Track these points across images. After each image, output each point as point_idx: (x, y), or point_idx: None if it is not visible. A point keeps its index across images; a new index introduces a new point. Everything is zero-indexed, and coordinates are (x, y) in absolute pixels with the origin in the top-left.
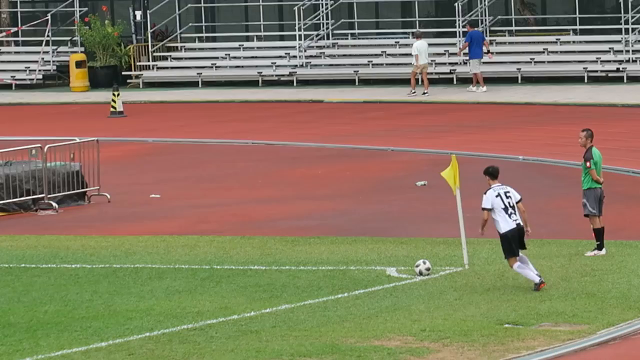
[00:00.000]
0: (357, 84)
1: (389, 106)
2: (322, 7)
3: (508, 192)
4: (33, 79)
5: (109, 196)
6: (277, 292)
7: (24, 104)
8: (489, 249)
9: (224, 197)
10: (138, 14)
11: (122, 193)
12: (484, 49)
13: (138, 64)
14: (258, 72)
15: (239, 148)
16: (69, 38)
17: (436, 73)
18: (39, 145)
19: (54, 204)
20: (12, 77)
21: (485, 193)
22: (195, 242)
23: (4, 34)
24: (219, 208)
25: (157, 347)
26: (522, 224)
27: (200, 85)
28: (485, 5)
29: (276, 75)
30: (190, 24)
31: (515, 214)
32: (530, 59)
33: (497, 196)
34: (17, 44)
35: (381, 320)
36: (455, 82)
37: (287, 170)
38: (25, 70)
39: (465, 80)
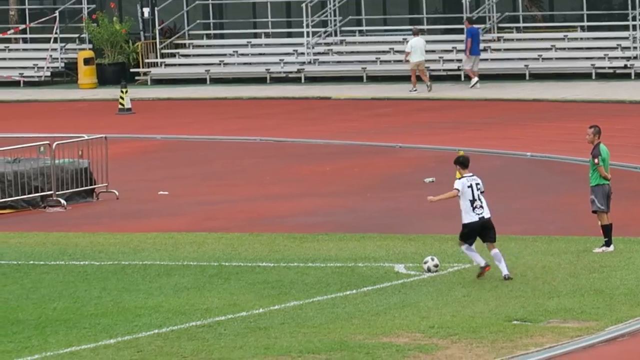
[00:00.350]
0: (364, 80)
1: (397, 103)
2: (330, 3)
3: (479, 183)
4: (41, 76)
5: (117, 193)
6: (286, 289)
7: (32, 101)
8: (497, 246)
9: (232, 194)
10: (146, 11)
11: (130, 190)
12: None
13: (146, 61)
14: (266, 69)
15: (247, 145)
16: (77, 35)
17: (444, 70)
18: (47, 142)
19: (63, 201)
20: (20, 74)
21: (459, 179)
22: (204, 239)
23: (12, 31)
24: (226, 205)
25: (166, 344)
26: (486, 217)
27: (208, 82)
28: (492, 1)
29: (284, 72)
30: (197, 21)
31: (481, 207)
32: (538, 55)
33: (469, 187)
34: (25, 41)
35: (390, 317)
36: (462, 78)
37: (294, 167)
38: (34, 68)
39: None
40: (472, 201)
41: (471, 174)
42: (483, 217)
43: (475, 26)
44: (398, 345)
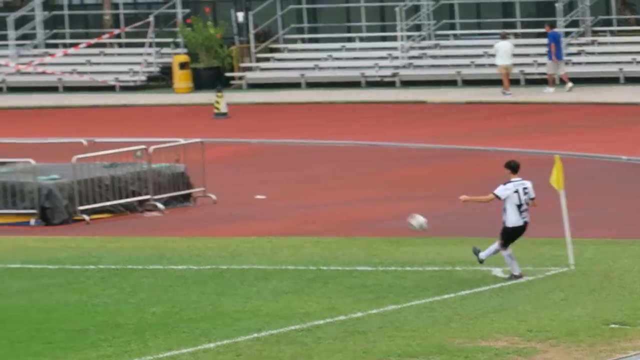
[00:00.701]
0: (459, 84)
1: (491, 106)
2: (424, 8)
3: (526, 188)
4: (136, 81)
5: (214, 197)
6: (384, 293)
7: (127, 105)
8: (594, 249)
9: (328, 198)
10: (240, 15)
11: (227, 194)
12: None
13: (241, 65)
14: (361, 73)
15: (342, 149)
16: (171, 40)
17: (538, 74)
18: (144, 146)
19: (160, 205)
20: (115, 79)
21: (504, 184)
22: (301, 242)
23: (107, 35)
24: (323, 209)
25: (265, 348)
26: (527, 222)
27: (303, 86)
28: (586, 5)
29: (379, 76)
30: (292, 25)
31: (526, 211)
32: (632, 59)
33: (515, 192)
34: (120, 45)
35: (488, 320)
36: (557, 82)
37: (390, 171)
38: (129, 72)
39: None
40: (519, 205)
41: (519, 179)
42: (527, 221)
43: (557, 30)
44: (497, 348)
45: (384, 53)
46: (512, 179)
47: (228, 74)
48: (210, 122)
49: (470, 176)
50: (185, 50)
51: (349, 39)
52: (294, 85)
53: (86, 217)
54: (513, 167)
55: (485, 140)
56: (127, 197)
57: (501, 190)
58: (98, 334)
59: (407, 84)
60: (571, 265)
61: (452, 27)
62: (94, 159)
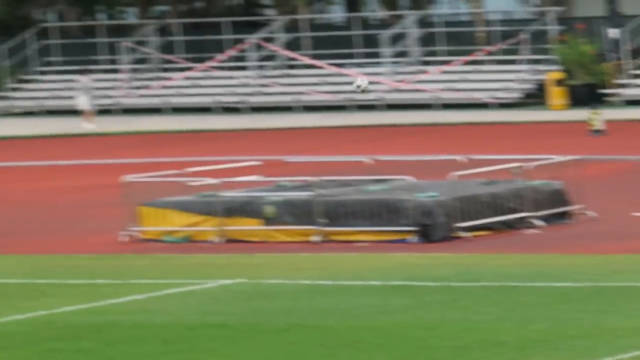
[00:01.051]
0: None
1: None
2: None
3: None
4: (512, 98)
5: (593, 214)
6: None
7: (502, 122)
8: None
9: None
10: (614, 31)
11: (605, 211)
12: None
13: (615, 81)
14: None
15: None
16: (544, 56)
17: None
18: (520, 164)
19: (539, 223)
20: (490, 95)
21: None
22: None
23: (480, 52)
24: None
25: None
26: None
27: None
28: None
29: None
30: None
31: None
32: None
33: None
34: (496, 62)
35: None
36: None
37: None
38: (504, 89)
39: None
40: None
41: None
42: None
43: None
44: None
45: None
46: None
47: (603, 91)
48: (586, 139)
49: None
50: (558, 67)
51: None
52: None
53: (468, 234)
54: None
55: None
56: (504, 214)
57: None
58: (481, 351)
59: None
60: None
61: None
62: (472, 176)
